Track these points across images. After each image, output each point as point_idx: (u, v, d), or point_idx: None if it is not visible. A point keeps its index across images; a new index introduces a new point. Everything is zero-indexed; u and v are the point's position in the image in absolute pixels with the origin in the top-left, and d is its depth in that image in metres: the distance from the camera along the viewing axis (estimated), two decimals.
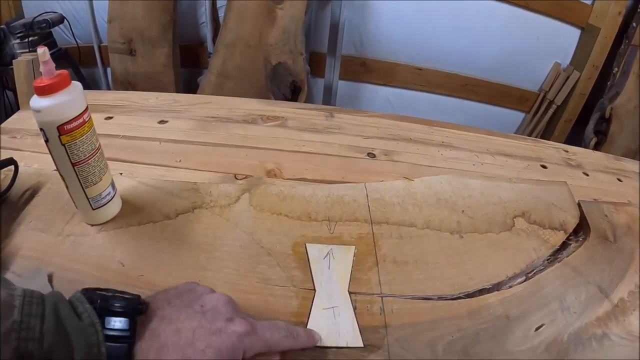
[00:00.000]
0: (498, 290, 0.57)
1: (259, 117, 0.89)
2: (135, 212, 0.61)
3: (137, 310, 0.39)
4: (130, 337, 0.37)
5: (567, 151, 0.94)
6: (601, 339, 0.54)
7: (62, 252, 0.54)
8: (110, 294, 0.39)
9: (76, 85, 0.51)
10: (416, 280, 0.57)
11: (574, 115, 2.27)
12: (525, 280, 0.60)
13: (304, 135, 0.84)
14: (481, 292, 0.57)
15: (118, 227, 0.59)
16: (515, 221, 0.68)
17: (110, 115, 0.84)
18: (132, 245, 0.56)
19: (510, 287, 0.58)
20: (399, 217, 0.65)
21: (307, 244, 0.59)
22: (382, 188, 0.70)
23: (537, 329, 0.53)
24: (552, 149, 0.94)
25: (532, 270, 0.61)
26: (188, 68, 2.35)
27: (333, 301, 0.53)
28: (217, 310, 0.42)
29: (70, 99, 0.50)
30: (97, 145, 0.54)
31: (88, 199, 0.56)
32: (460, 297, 0.56)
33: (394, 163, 0.79)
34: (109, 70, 2.30)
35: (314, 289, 0.54)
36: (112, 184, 0.59)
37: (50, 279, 0.51)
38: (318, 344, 0.48)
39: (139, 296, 0.40)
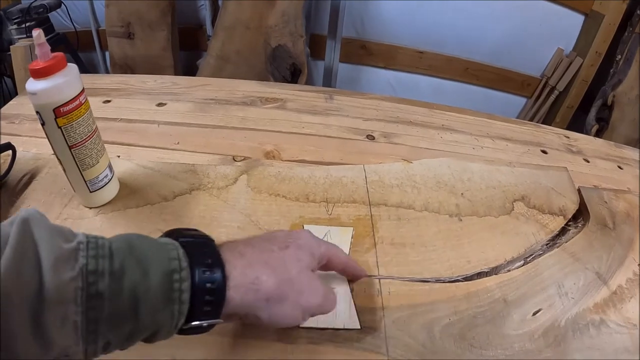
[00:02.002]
0: (496, 274, 0.57)
1: (257, 99, 0.88)
2: (132, 195, 0.61)
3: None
4: (222, 265, 0.37)
5: (568, 137, 0.93)
6: (599, 326, 0.54)
7: None
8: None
9: (72, 67, 0.51)
10: (414, 262, 0.56)
11: (576, 102, 2.25)
12: (523, 265, 0.59)
13: (303, 117, 0.83)
14: (479, 275, 0.57)
15: (116, 209, 0.58)
16: (515, 205, 0.67)
17: (109, 99, 0.83)
18: (130, 227, 0.56)
19: (509, 271, 0.58)
20: (397, 199, 0.65)
21: (304, 225, 0.59)
22: (381, 170, 0.70)
23: (534, 314, 0.53)
24: (552, 135, 0.93)
25: (531, 255, 0.61)
26: (187, 51, 2.33)
27: (331, 283, 0.52)
28: (301, 241, 0.45)
29: (66, 81, 0.49)
30: (93, 128, 0.54)
31: (85, 181, 0.55)
32: (458, 280, 0.55)
33: (394, 145, 0.78)
34: (107, 54, 2.28)
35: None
36: (110, 167, 0.59)
37: None
38: (316, 325, 0.48)
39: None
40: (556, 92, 2.25)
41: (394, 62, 2.30)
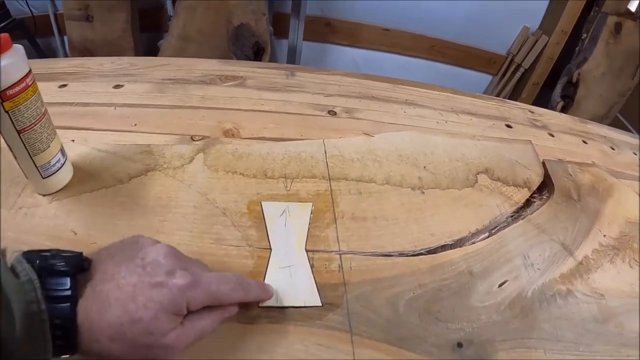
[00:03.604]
0: (460, 247, 0.56)
1: (217, 77, 0.85)
2: (87, 179, 0.58)
3: (79, 267, 0.37)
4: (72, 296, 0.35)
5: (532, 112, 0.93)
6: (566, 296, 0.53)
7: (14, 225, 0.51)
8: (50, 254, 0.37)
9: (17, 48, 0.47)
10: (376, 236, 0.55)
11: (541, 79, 2.28)
12: (488, 237, 0.58)
13: (263, 94, 0.80)
14: (443, 248, 0.55)
15: (70, 195, 0.55)
16: (478, 178, 0.66)
17: (64, 83, 0.79)
18: (85, 212, 0.53)
19: (473, 243, 0.57)
20: (358, 173, 0.63)
21: (262, 202, 0.56)
22: (341, 144, 0.67)
23: (500, 285, 0.52)
24: (517, 110, 0.92)
25: (496, 227, 0.60)
26: (148, 32, 2.26)
27: (290, 260, 0.51)
28: (158, 263, 0.40)
29: (11, 63, 0.46)
30: (42, 111, 0.51)
31: (37, 167, 0.52)
32: (421, 254, 0.54)
33: (356, 120, 0.76)
34: (66, 39, 2.20)
35: (270, 248, 0.52)
36: (62, 151, 0.55)
37: (3, 253, 0.47)
38: (275, 304, 0.47)
39: (81, 253, 0.39)
40: (522, 70, 2.28)
41: (358, 39, 2.29)
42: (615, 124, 2.20)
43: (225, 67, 0.90)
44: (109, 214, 0.53)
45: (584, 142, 0.86)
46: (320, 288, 0.49)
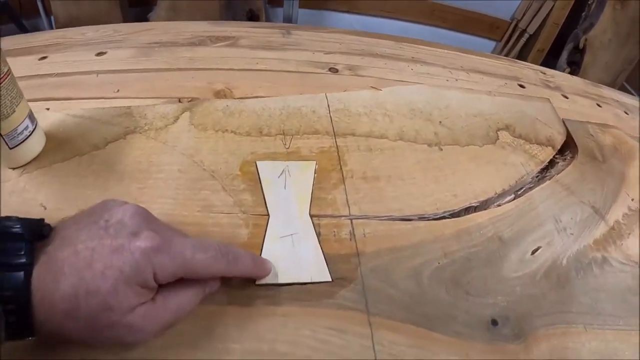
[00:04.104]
0: (486, 209, 0.49)
1: (207, 38, 0.77)
2: (60, 147, 0.50)
3: (38, 233, 0.31)
4: (27, 264, 0.29)
5: (544, 73, 0.86)
6: (602, 264, 0.47)
7: None
8: (6, 217, 0.31)
9: None
10: (391, 198, 0.47)
11: (546, 45, 2.22)
12: (514, 199, 0.51)
13: (257, 54, 0.73)
14: (467, 210, 0.48)
15: (41, 166, 0.48)
16: (499, 134, 0.59)
17: (45, 55, 0.71)
18: (56, 184, 0.46)
19: (499, 205, 0.50)
20: (366, 128, 0.55)
21: (257, 162, 0.49)
22: (346, 98, 0.60)
23: (533, 252, 0.46)
24: (529, 70, 0.85)
25: (521, 188, 0.53)
26: (137, 7, 2.18)
27: (291, 227, 0.43)
28: (123, 223, 0.32)
29: None
30: (5, 70, 0.43)
31: (2, 136, 0.45)
32: (444, 217, 0.47)
33: (359, 77, 0.68)
34: (52, 19, 2.12)
35: (268, 214, 0.44)
36: (30, 116, 0.48)
37: None
38: (275, 281, 0.39)
39: (42, 219, 0.32)
40: (526, 35, 2.23)
41: (357, 5, 2.22)
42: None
43: (216, 28, 0.82)
44: (82, 184, 0.46)
45: (598, 105, 0.79)
46: (329, 260, 0.41)
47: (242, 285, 0.38)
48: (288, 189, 0.46)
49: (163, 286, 0.32)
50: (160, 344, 0.34)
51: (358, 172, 0.49)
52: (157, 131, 0.52)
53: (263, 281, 0.38)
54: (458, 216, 0.47)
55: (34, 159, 0.49)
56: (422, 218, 0.46)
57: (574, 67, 2.09)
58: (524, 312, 0.41)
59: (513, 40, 2.27)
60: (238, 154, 0.50)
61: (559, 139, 0.62)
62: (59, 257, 0.30)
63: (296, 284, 0.39)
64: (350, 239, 0.43)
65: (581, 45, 2.05)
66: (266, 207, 0.45)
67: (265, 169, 0.48)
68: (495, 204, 0.50)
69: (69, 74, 0.65)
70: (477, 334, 0.39)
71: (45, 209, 0.43)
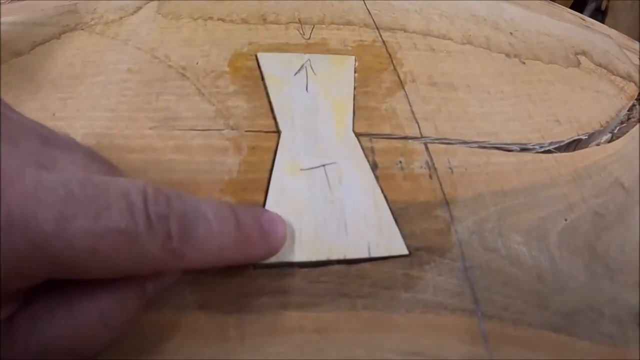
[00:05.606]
0: (597, 144, 0.33)
1: None
2: None
3: None
4: None
5: (584, 19, 0.71)
6: None
7: None
8: None
9: None
10: (478, 115, 0.30)
11: (567, 4, 2.09)
12: (612, 138, 0.36)
13: None
14: (577, 144, 0.32)
15: None
16: (580, 59, 0.43)
17: None
18: None
19: (598, 144, 0.35)
20: (421, 25, 0.38)
21: (258, 54, 0.31)
22: None
23: None
24: (568, 14, 0.70)
25: (617, 127, 0.38)
26: None
27: (323, 153, 0.25)
28: None
29: None
30: None
31: None
32: (550, 151, 0.30)
33: None
34: None
35: (277, 130, 0.27)
36: None
37: None
38: (295, 259, 0.21)
39: None
40: None
41: None
42: None
43: None
44: None
45: None
46: (397, 214, 0.24)
47: (226, 274, 0.21)
48: (312, 92, 0.29)
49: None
50: None
51: (423, 76, 0.32)
52: (106, 25, 0.35)
53: (272, 259, 0.21)
54: (568, 150, 0.31)
55: None
56: (524, 149, 0.29)
57: None
58: None
59: None
60: (227, 44, 0.32)
61: (636, 77, 0.48)
62: None
63: (335, 264, 0.22)
64: (431, 176, 0.26)
65: (603, 7, 1.95)
66: (274, 118, 0.27)
67: (272, 63, 0.30)
68: (604, 139, 0.34)
69: None
70: (630, 334, 0.23)
71: None
